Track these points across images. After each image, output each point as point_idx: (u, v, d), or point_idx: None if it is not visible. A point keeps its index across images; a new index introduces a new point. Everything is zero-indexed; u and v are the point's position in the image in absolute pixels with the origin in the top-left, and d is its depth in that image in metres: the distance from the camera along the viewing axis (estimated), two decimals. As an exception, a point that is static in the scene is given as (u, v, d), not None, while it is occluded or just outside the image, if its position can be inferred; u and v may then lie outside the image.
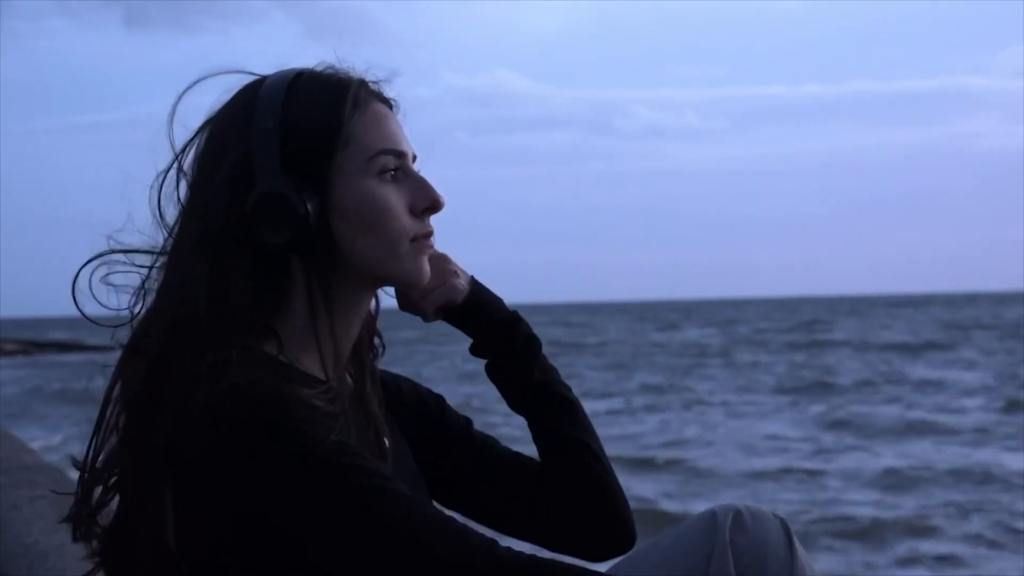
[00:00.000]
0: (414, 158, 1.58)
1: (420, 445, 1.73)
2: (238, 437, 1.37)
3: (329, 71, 1.57)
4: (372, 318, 1.65)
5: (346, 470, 1.37)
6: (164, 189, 1.54)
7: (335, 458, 1.37)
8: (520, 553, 1.38)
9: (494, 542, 1.38)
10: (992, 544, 10.96)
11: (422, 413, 1.75)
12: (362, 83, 1.55)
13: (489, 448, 1.76)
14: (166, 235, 1.53)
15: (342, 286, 1.53)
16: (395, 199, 1.53)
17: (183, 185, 1.53)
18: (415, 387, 1.78)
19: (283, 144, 1.48)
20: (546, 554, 1.47)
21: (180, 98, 1.55)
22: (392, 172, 1.53)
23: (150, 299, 1.52)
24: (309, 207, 1.47)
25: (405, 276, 1.55)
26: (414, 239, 1.54)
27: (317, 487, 1.36)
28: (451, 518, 1.40)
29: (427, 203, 1.55)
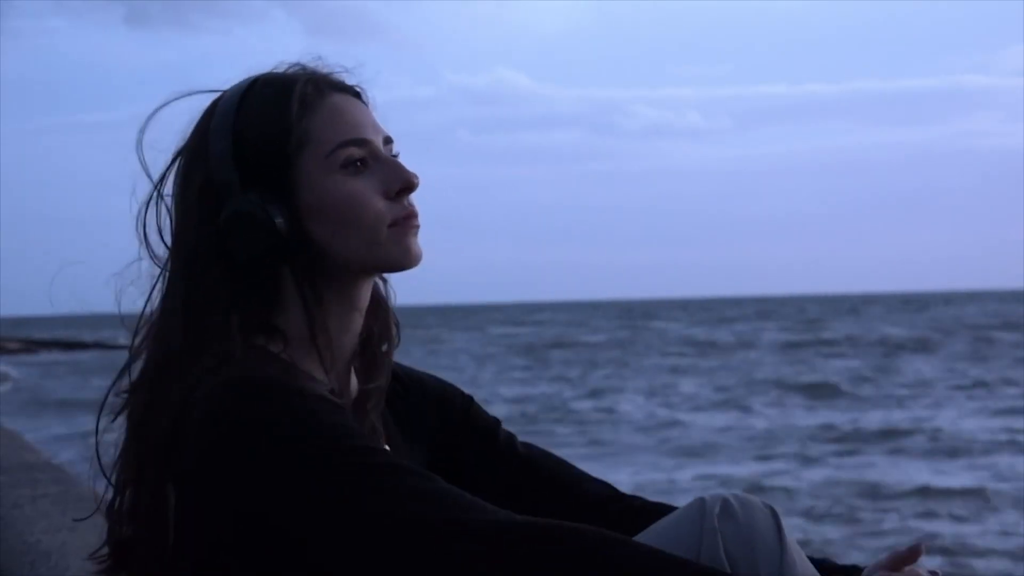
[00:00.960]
0: (387, 140, 1.56)
1: (441, 442, 1.70)
2: (237, 437, 1.37)
3: (293, 70, 1.56)
4: (384, 308, 1.63)
5: (349, 467, 1.36)
6: (149, 215, 1.56)
7: (336, 454, 1.36)
8: (530, 521, 1.34)
9: (497, 518, 1.34)
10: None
11: (446, 411, 1.72)
12: (309, 79, 1.54)
13: (512, 448, 1.72)
14: (158, 259, 1.55)
15: (333, 283, 1.53)
16: (365, 188, 1.51)
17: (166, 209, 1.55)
18: (441, 385, 1.75)
19: (239, 160, 1.49)
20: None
21: (143, 131, 1.56)
22: (358, 161, 1.52)
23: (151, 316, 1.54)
24: (277, 218, 1.48)
25: (391, 261, 1.54)
26: (393, 223, 1.52)
27: (317, 486, 1.36)
28: (461, 494, 1.36)
29: (400, 184, 1.53)
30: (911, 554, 1.51)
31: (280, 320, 1.51)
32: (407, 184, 1.53)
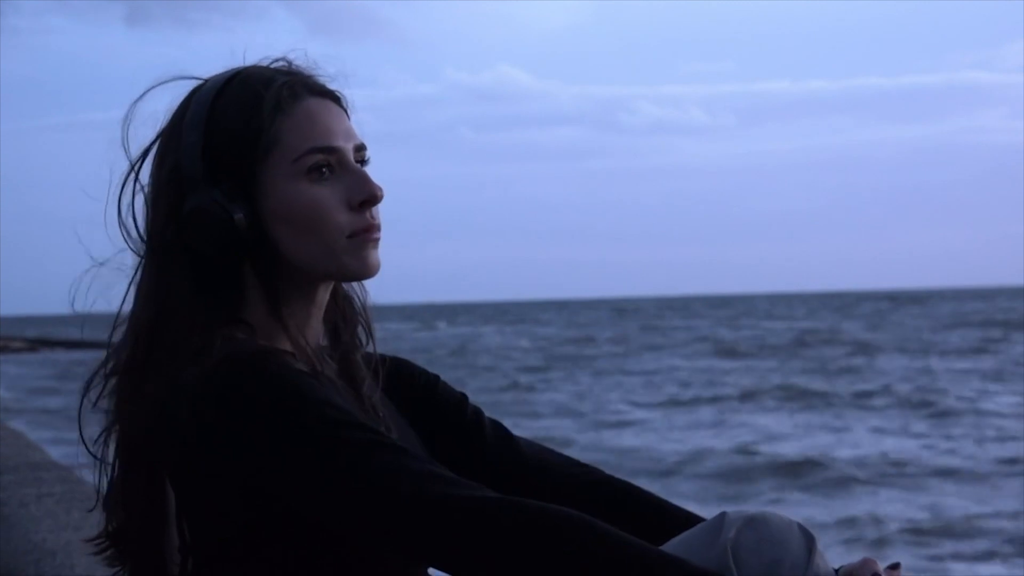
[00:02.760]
0: (360, 148, 1.56)
1: (415, 423, 1.72)
2: (230, 422, 1.39)
3: (277, 65, 1.57)
4: (348, 304, 1.65)
5: (344, 443, 1.38)
6: (124, 198, 1.57)
7: (326, 430, 1.38)
8: (528, 504, 1.36)
9: (485, 495, 1.36)
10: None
11: (413, 390, 1.74)
12: (287, 82, 1.54)
13: (479, 423, 1.74)
14: (130, 243, 1.56)
15: (290, 284, 1.54)
16: (328, 197, 1.52)
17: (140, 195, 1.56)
18: (407, 365, 1.77)
19: (208, 155, 1.50)
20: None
21: (130, 112, 1.57)
22: (324, 168, 1.53)
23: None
24: (238, 217, 1.49)
25: (347, 272, 1.55)
26: (352, 235, 1.53)
27: (311, 463, 1.37)
28: (449, 473, 1.39)
29: (363, 196, 1.53)
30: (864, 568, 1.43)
31: (244, 313, 1.53)
32: (370, 196, 1.53)
